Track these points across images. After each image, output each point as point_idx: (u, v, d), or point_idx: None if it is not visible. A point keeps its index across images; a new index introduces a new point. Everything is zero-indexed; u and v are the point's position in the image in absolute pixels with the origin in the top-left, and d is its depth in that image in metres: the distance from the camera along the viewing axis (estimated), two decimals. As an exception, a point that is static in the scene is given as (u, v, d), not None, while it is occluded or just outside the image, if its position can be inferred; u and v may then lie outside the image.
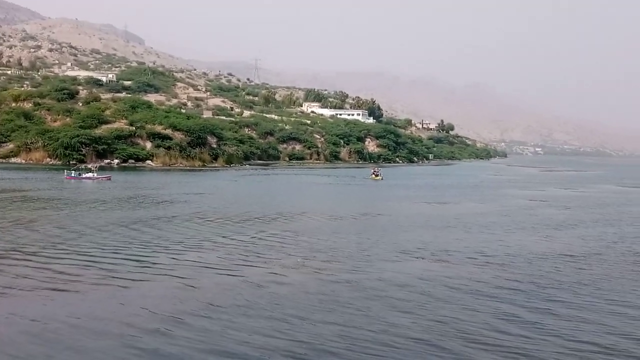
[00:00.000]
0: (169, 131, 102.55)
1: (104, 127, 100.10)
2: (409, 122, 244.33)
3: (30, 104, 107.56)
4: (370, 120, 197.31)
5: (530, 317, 18.62)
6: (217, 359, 14.99)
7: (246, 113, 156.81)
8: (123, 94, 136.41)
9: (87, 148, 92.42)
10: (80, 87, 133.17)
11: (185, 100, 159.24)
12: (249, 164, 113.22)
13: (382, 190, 69.51)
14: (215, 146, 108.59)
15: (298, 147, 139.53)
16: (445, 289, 21.73)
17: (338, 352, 15.41)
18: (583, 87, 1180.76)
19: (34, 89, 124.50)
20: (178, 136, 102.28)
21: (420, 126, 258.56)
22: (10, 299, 18.97)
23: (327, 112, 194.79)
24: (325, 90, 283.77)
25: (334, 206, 49.09)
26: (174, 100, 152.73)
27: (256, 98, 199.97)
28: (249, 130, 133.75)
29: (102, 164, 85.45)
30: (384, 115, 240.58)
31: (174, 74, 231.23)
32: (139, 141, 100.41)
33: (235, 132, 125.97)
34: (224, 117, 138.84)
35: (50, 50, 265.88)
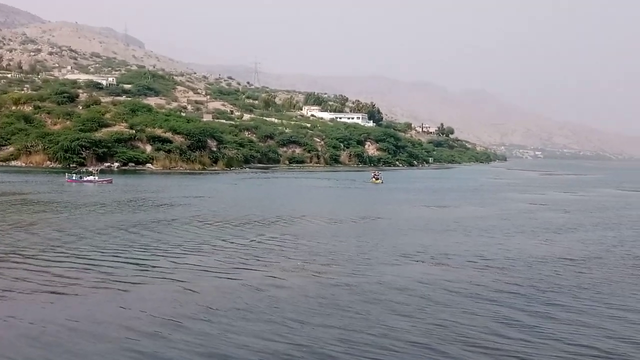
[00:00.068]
0: (169, 134, 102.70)
1: (104, 130, 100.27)
2: (408, 126, 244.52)
3: (30, 107, 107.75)
4: (370, 123, 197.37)
5: (530, 321, 18.57)
6: (216, 362, 14.98)
7: (246, 116, 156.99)
8: (123, 98, 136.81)
9: (87, 151, 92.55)
10: (81, 91, 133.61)
11: (185, 104, 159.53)
12: (249, 168, 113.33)
13: (382, 193, 69.49)
14: (215, 149, 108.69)
15: (298, 150, 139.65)
16: (445, 293, 21.70)
17: (337, 355, 15.37)
18: (583, 90, 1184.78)
19: (34, 92, 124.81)
20: (178, 139, 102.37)
21: (420, 130, 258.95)
22: (9, 302, 18.94)
23: (327, 115, 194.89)
24: (325, 93, 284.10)
25: (334, 209, 49.07)
26: (174, 104, 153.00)
27: (256, 101, 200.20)
28: (249, 134, 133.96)
29: (103, 167, 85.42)
30: (383, 119, 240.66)
31: (174, 77, 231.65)
32: (139, 144, 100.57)
33: (235, 135, 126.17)
34: (224, 121, 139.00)
35: (50, 53, 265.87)
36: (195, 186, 68.29)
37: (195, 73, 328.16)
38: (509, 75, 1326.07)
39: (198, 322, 17.54)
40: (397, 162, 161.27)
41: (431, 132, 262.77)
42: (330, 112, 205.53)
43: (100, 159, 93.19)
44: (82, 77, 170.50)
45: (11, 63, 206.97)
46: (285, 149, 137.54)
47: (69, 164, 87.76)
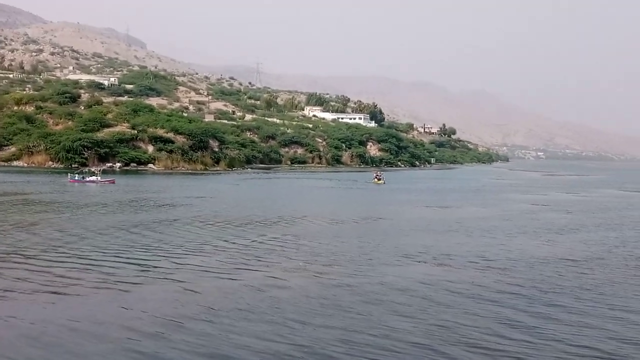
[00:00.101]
0: (170, 135, 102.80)
1: (106, 130, 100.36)
2: (410, 126, 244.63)
3: (32, 108, 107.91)
4: (372, 124, 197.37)
5: (531, 322, 18.52)
6: (218, 363, 14.96)
7: (248, 117, 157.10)
8: (125, 98, 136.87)
9: (89, 151, 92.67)
10: (82, 91, 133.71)
11: (187, 104, 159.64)
12: (251, 168, 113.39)
13: (384, 194, 69.46)
14: (217, 150, 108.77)
15: (300, 150, 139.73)
16: (447, 294, 21.66)
17: (339, 356, 15.34)
18: (584, 90, 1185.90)
19: (36, 92, 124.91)
20: (180, 140, 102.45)
21: (422, 130, 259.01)
22: (10, 302, 18.92)
23: (328, 115, 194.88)
24: (327, 94, 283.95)
25: (335, 210, 49.05)
26: (176, 104, 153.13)
27: (258, 102, 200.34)
28: (250, 134, 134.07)
29: (105, 167, 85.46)
30: (385, 119, 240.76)
31: (176, 77, 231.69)
32: (141, 145, 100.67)
33: (237, 135, 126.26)
34: (225, 121, 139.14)
35: (52, 54, 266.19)
36: (197, 186, 68.30)
37: (197, 73, 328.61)
38: (510, 75, 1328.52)
39: (199, 323, 17.51)
40: (399, 163, 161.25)
41: (433, 133, 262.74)
42: (332, 112, 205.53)
43: (102, 159, 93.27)
44: (84, 78, 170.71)
45: (13, 63, 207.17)
46: (287, 149, 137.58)
47: (70, 164, 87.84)
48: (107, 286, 21.14)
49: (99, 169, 74.81)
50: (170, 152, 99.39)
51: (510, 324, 18.27)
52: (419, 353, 15.76)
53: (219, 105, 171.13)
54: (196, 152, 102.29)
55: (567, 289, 22.97)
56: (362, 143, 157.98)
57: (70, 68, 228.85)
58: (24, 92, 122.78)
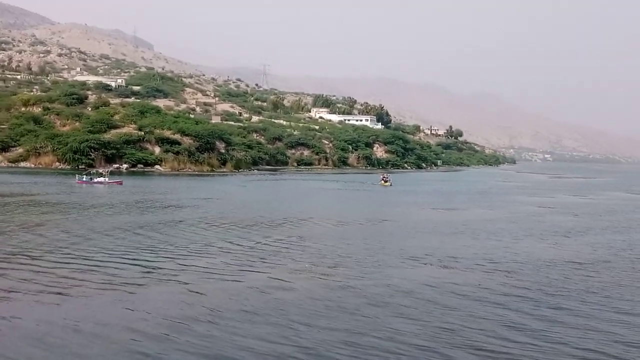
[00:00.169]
0: (177, 136, 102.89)
1: (113, 131, 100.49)
2: (417, 128, 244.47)
3: (39, 109, 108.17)
4: (379, 126, 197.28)
5: (537, 325, 18.44)
6: (222, 365, 14.93)
7: (254, 118, 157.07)
8: (132, 99, 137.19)
9: (96, 153, 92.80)
10: (90, 92, 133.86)
11: (194, 106, 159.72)
12: (257, 169, 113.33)
13: (390, 196, 69.38)
14: (223, 151, 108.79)
15: (306, 152, 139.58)
16: (453, 296, 21.59)
17: (344, 359, 15.30)
18: (592, 92, 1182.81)
19: (43, 93, 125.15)
20: (187, 141, 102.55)
21: (429, 132, 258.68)
22: (14, 303, 18.94)
23: (335, 117, 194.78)
24: (334, 95, 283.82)
25: (342, 212, 48.99)
26: (183, 106, 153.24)
27: (264, 103, 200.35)
28: (257, 136, 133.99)
29: (112, 168, 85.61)
30: (392, 121, 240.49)
31: (183, 79, 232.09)
32: (148, 146, 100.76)
33: (244, 137, 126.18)
34: (232, 123, 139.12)
35: (60, 55, 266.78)
36: (204, 188, 68.35)
37: (203, 75, 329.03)
38: (517, 77, 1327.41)
39: (204, 324, 17.49)
40: (405, 165, 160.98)
41: (440, 135, 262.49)
42: (339, 114, 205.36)
43: (109, 160, 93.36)
44: (91, 79, 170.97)
45: (21, 64, 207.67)
46: (293, 151, 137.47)
47: (77, 166, 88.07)
48: (112, 287, 21.13)
49: (106, 170, 74.89)
50: (177, 153, 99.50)
51: (516, 327, 18.20)
52: (424, 356, 15.71)
53: (225, 106, 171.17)
54: (203, 154, 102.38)
55: (573, 292, 22.87)
56: (369, 145, 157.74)
57: (78, 69, 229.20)
58: (32, 94, 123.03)
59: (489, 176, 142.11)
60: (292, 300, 20.22)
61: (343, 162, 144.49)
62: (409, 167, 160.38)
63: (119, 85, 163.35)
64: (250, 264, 25.80)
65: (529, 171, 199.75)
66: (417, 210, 52.45)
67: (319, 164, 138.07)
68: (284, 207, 50.78)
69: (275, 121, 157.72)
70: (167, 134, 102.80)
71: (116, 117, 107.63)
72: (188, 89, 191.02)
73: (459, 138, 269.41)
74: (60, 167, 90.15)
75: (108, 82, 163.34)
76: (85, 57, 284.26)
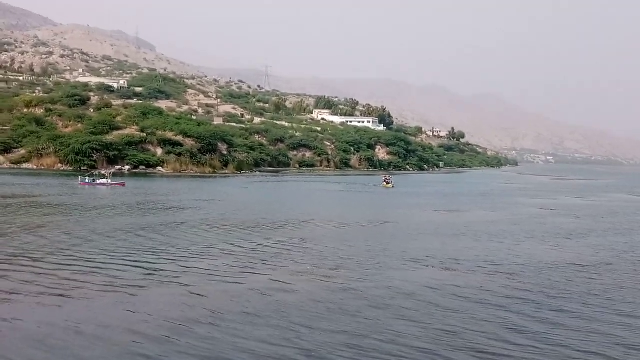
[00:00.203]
0: (179, 138, 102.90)
1: (115, 133, 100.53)
2: (419, 130, 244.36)
3: (42, 110, 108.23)
4: (381, 127, 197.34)
5: (539, 327, 18.42)
6: (223, 367, 14.92)
7: (257, 120, 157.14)
8: (134, 101, 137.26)
9: (98, 154, 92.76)
10: (92, 94, 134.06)
11: (196, 107, 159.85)
12: (259, 171, 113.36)
13: (393, 197, 69.35)
14: (225, 153, 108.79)
15: (308, 154, 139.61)
16: (454, 298, 21.57)
17: (344, 361, 15.32)
18: (594, 93, 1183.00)
19: (45, 95, 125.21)
20: (189, 143, 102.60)
21: (431, 134, 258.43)
22: (15, 304, 18.95)
23: (337, 119, 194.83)
24: (336, 97, 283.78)
25: (344, 213, 48.97)
26: (185, 107, 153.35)
27: (267, 105, 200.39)
28: (259, 137, 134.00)
29: (114, 170, 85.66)
30: (394, 123, 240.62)
31: (185, 80, 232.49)
32: (150, 147, 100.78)
33: (246, 138, 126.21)
34: (234, 124, 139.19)
35: (62, 56, 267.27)
36: (205, 189, 68.35)
37: (206, 76, 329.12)
38: (518, 77, 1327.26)
39: (205, 327, 17.49)
40: (407, 166, 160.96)
41: (442, 136, 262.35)
42: (341, 115, 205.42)
43: (111, 161, 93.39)
44: (94, 80, 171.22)
45: (23, 66, 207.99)
46: (295, 152, 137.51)
47: (80, 167, 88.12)
48: (113, 289, 21.13)
49: (109, 171, 74.90)
50: (179, 155, 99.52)
51: (517, 329, 18.18)
52: (425, 359, 15.70)
53: (227, 108, 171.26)
54: (205, 155, 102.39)
55: (575, 294, 22.84)
56: (371, 146, 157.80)
57: (80, 70, 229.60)
58: (34, 95, 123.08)
59: (491, 178, 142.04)
60: (293, 303, 20.21)
61: (345, 164, 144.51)
62: (411, 169, 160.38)
63: (121, 87, 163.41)
64: (251, 266, 25.79)
65: (531, 173, 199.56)
66: (419, 212, 52.42)
67: (321, 166, 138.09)
68: (285, 208, 50.78)
69: (277, 123, 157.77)
70: (169, 135, 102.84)
71: (118, 118, 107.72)
72: (190, 91, 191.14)
73: (461, 140, 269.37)
74: (62, 168, 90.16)
75: (110, 84, 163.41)
76: (88, 58, 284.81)
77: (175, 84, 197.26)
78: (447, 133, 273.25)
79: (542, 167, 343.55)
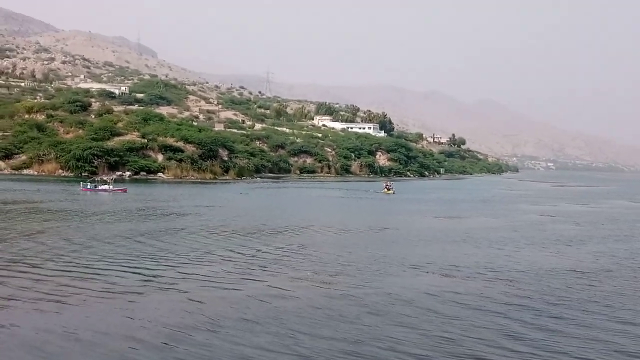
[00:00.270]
0: (180, 144, 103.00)
1: (116, 139, 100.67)
2: (420, 136, 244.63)
3: (43, 116, 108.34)
4: (382, 133, 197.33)
5: (538, 335, 18.36)
6: (221, 374, 14.88)
7: (257, 126, 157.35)
8: (135, 107, 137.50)
9: (99, 160, 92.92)
10: (93, 100, 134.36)
11: (197, 113, 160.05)
12: (260, 177, 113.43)
13: (394, 204, 69.30)
14: (226, 159, 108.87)
15: (309, 160, 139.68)
16: (454, 305, 21.51)
17: (343, 368, 15.27)
18: (595, 100, 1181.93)
19: (47, 100, 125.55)
20: (189, 149, 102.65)
21: (432, 140, 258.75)
22: (13, 310, 18.89)
23: (338, 125, 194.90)
24: (337, 103, 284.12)
25: (344, 220, 48.90)
26: (186, 113, 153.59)
27: (268, 111, 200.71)
28: (260, 143, 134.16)
29: (115, 176, 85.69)
30: (395, 129, 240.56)
31: (186, 86, 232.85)
32: (151, 153, 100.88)
33: (247, 145, 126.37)
34: (235, 130, 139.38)
35: (64, 62, 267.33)
36: (206, 195, 68.37)
37: (207, 82, 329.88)
38: (523, 85, 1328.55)
39: (204, 333, 17.44)
40: (408, 173, 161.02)
41: (442, 143, 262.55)
42: (342, 122, 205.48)
43: (112, 167, 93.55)
44: (95, 86, 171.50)
45: (24, 71, 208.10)
46: (296, 158, 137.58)
47: (81, 173, 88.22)
48: (112, 296, 21.09)
49: (111, 177, 74.91)
50: (180, 161, 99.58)
51: (517, 336, 18.12)
52: (424, 366, 15.66)
53: (228, 114, 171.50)
54: (205, 161, 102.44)
55: (575, 301, 22.78)
56: (372, 153, 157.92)
57: (82, 76, 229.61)
58: (35, 101, 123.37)
59: (491, 184, 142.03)
60: (292, 309, 20.16)
61: (346, 170, 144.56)
62: (412, 175, 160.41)
63: (122, 93, 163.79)
64: (250, 272, 25.75)
65: (531, 179, 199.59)
66: (420, 219, 52.39)
67: (322, 172, 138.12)
68: (285, 215, 50.74)
69: (278, 129, 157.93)
70: (170, 141, 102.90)
71: (119, 124, 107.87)
72: (191, 97, 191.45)
73: (461, 146, 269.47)
74: (63, 174, 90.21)
75: (111, 90, 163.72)
76: (89, 64, 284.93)
77: (176, 90, 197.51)
78: (448, 139, 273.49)
79: (542, 174, 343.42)
